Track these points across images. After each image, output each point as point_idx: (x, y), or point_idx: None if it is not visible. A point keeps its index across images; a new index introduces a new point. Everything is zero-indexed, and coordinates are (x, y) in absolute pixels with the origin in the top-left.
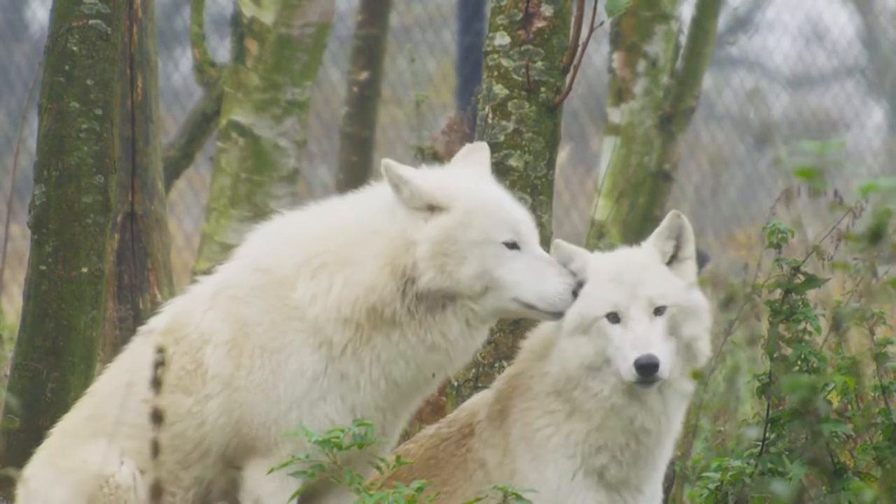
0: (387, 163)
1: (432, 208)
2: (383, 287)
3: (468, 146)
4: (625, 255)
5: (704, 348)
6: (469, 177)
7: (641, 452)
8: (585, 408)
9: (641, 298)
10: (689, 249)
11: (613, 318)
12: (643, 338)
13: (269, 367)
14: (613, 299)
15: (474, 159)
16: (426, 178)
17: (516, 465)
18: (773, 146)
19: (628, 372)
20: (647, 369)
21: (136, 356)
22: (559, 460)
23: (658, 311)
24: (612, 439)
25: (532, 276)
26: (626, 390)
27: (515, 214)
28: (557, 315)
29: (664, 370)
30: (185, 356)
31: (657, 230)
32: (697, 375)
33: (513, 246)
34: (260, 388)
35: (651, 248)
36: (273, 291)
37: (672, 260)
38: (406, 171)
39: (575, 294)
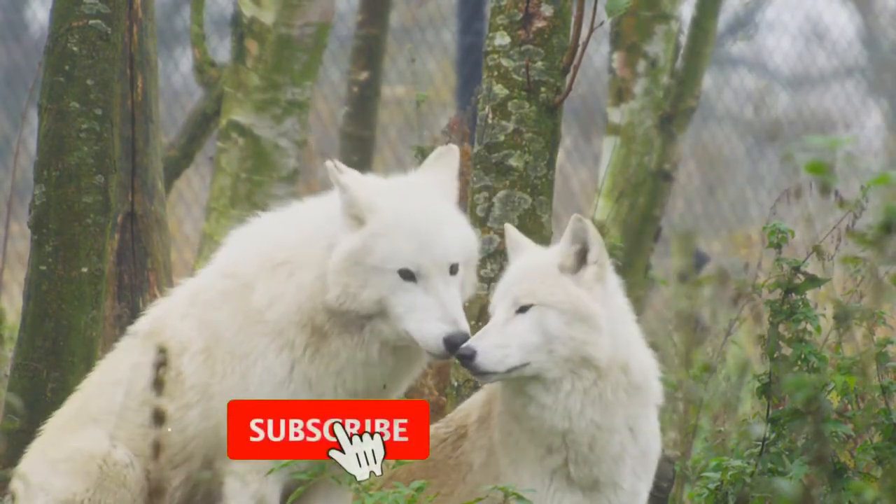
0: (330, 165)
1: (359, 220)
2: (317, 297)
3: (439, 149)
4: (527, 257)
5: (595, 352)
6: (405, 191)
7: (583, 451)
8: (514, 412)
9: (507, 296)
10: (595, 253)
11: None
12: (480, 332)
13: (239, 372)
14: (494, 298)
15: (442, 163)
16: (363, 187)
17: (500, 468)
18: (781, 143)
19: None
20: (460, 360)
21: (123, 355)
22: (531, 464)
23: (522, 309)
24: (549, 440)
25: (417, 315)
26: (514, 387)
27: (421, 243)
28: (437, 358)
29: (482, 361)
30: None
31: (564, 234)
32: (706, 369)
33: (408, 277)
34: (232, 392)
35: (554, 252)
36: (239, 295)
37: (583, 264)
38: (347, 177)
39: (447, 342)
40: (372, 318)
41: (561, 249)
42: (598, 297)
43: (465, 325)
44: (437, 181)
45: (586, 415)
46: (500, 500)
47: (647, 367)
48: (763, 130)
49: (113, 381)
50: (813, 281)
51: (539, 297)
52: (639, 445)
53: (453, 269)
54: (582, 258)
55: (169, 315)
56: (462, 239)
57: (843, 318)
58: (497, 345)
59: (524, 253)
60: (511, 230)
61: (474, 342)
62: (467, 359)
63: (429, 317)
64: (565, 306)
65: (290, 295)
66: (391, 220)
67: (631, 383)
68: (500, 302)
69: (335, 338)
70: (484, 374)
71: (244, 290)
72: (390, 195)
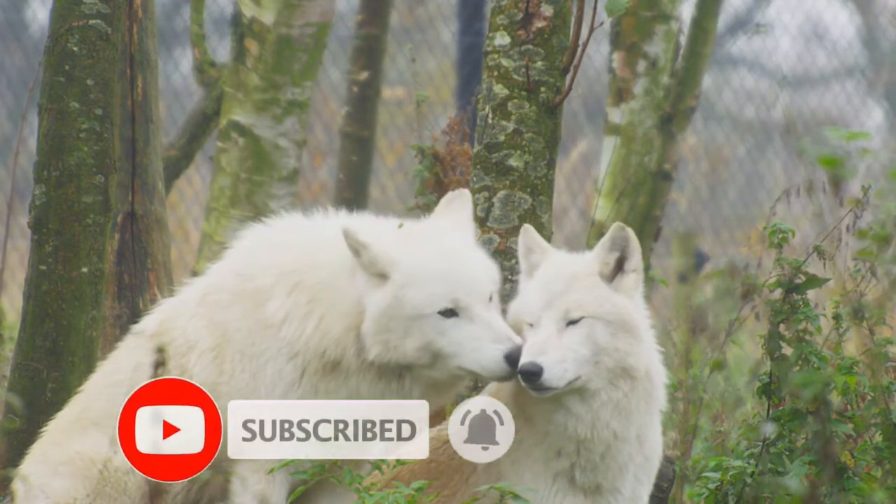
0: (346, 230)
1: (383, 276)
2: (347, 347)
3: (450, 194)
4: (562, 263)
5: (636, 362)
6: (421, 239)
7: (594, 459)
8: (527, 414)
9: (556, 308)
10: (634, 262)
11: (531, 326)
12: (535, 344)
13: (250, 372)
14: (532, 308)
15: (455, 208)
16: (381, 243)
17: (501, 468)
18: (792, 138)
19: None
20: (525, 376)
21: (125, 355)
22: (534, 464)
23: (573, 322)
24: (561, 444)
25: (470, 346)
26: (550, 397)
27: (453, 279)
28: (502, 379)
29: (548, 377)
30: (171, 360)
31: (601, 241)
32: (717, 366)
33: (450, 314)
34: (241, 393)
35: (591, 259)
36: (252, 298)
37: (619, 272)
38: (366, 236)
39: (508, 359)
40: (413, 367)
41: (599, 256)
42: (638, 305)
43: (518, 339)
44: (453, 225)
45: (610, 425)
46: (498, 500)
47: (661, 374)
48: (775, 127)
49: (115, 382)
50: (813, 280)
51: (589, 309)
52: (643, 452)
53: (490, 298)
54: (619, 266)
55: (177, 314)
56: (489, 269)
57: (854, 314)
58: (559, 360)
59: (549, 258)
60: (530, 231)
61: (538, 357)
62: (534, 376)
63: (482, 344)
64: (612, 317)
65: (308, 330)
66: (415, 267)
67: (651, 392)
68: (547, 313)
69: (360, 378)
70: (546, 390)
71: (258, 294)
72: (408, 245)
